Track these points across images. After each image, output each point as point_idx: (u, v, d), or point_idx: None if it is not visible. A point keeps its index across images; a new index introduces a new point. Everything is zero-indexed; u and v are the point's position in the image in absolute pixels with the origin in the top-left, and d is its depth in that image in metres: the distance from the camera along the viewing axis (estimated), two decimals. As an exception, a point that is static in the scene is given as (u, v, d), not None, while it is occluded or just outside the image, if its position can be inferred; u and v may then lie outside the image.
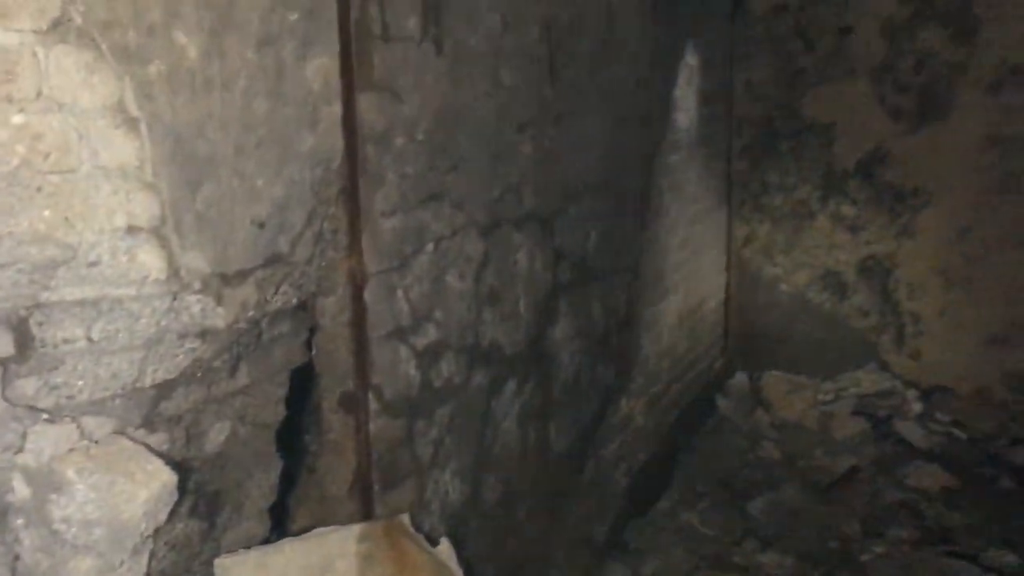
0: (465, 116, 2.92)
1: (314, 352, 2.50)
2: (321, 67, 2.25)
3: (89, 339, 1.78)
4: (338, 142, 2.33)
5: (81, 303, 1.76)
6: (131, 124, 1.76)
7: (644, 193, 4.69)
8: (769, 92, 6.58)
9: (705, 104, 5.75)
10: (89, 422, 1.81)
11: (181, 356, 2.00)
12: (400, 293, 2.64)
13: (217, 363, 2.13)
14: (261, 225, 2.09)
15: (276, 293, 2.19)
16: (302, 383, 2.51)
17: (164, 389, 2.00)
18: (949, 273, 6.37)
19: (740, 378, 6.61)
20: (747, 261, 6.92)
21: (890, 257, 6.52)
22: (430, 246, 2.78)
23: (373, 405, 2.55)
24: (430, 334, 2.81)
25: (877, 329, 6.65)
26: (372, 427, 2.56)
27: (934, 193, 6.31)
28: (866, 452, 5.81)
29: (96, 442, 1.82)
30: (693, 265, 5.80)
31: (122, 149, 1.75)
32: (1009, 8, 5.93)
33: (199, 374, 2.10)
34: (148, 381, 1.94)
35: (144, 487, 1.82)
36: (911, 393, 6.39)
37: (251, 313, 2.11)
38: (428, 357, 2.80)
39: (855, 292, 6.67)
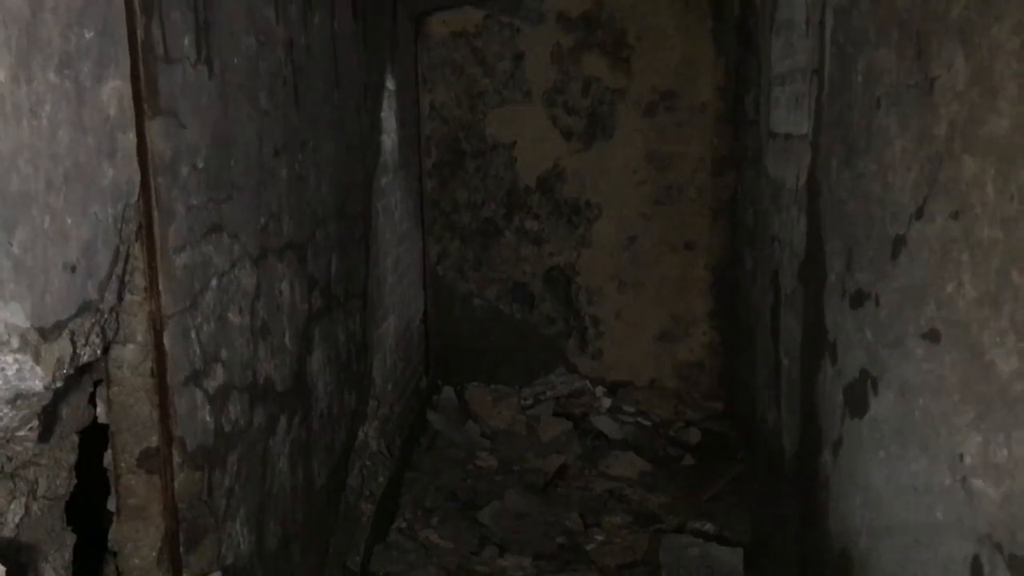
0: (235, 141, 2.75)
1: (106, 408, 2.23)
2: (115, 90, 2.02)
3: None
4: (135, 174, 2.10)
5: None
6: (-55, 159, 1.48)
7: (366, 217, 4.68)
8: (454, 113, 6.84)
9: (402, 126, 5.85)
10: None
11: (-14, 428, 1.71)
12: (193, 334, 2.43)
13: (23, 432, 1.83)
14: (73, 269, 1.84)
15: (86, 344, 1.93)
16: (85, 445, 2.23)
17: (-39, 470, 1.70)
18: (621, 277, 7.02)
19: (447, 392, 6.78)
20: (441, 278, 7.12)
21: (571, 266, 7.05)
22: (214, 281, 2.58)
23: (176, 459, 2.32)
24: (219, 376, 2.61)
25: (564, 334, 7.16)
26: (176, 484, 2.33)
27: (604, 206, 6.93)
28: (572, 449, 6.22)
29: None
30: (404, 285, 5.87)
31: (-63, 189, 1.46)
32: (655, 39, 6.68)
33: (-3, 448, 1.80)
34: (-50, 463, 1.64)
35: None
36: (599, 390, 6.96)
37: (66, 370, 1.84)
38: (219, 400, 2.60)
39: (542, 301, 7.12)
